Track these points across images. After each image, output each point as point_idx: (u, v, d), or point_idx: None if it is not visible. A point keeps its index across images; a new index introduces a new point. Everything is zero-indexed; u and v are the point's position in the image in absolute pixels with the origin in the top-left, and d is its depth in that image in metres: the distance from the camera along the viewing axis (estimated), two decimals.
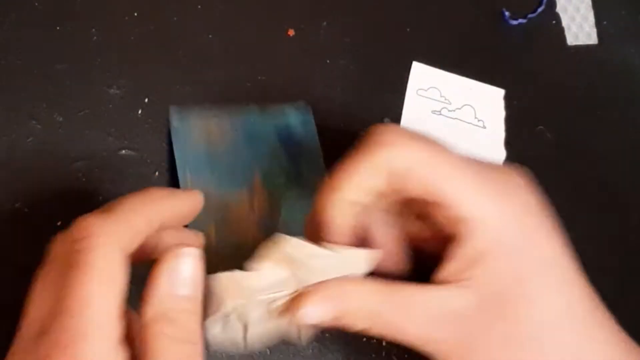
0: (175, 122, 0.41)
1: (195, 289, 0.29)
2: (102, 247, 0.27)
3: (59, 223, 0.39)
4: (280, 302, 0.31)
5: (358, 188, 0.32)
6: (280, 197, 0.41)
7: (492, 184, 0.32)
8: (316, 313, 0.31)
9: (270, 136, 0.42)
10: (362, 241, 0.34)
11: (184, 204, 0.32)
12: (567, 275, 0.32)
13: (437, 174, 0.31)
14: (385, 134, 0.31)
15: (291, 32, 0.45)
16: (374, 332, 0.31)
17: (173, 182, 0.40)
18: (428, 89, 0.46)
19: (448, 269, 0.31)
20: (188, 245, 0.29)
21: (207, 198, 0.36)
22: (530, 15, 0.48)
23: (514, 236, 0.31)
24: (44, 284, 0.28)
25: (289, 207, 0.41)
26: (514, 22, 0.48)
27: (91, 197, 0.38)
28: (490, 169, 0.32)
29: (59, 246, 0.29)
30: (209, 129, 0.42)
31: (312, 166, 0.42)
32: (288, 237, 0.31)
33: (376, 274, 0.33)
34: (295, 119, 0.43)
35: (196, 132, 0.41)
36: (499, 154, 0.46)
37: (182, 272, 0.29)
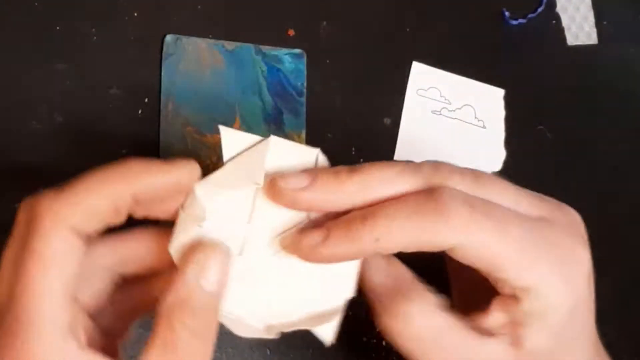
0: (168, 47, 0.42)
1: (219, 288, 0.28)
2: (49, 230, 0.26)
3: None
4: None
5: (396, 246, 0.28)
6: None
7: (556, 251, 0.29)
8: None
9: (259, 79, 0.43)
10: None
11: (171, 176, 0.28)
12: (593, 352, 0.32)
13: (502, 250, 0.28)
14: (450, 205, 0.27)
15: (291, 32, 0.45)
16: (396, 338, 0.30)
17: None
18: (428, 89, 0.46)
19: (493, 319, 0.30)
20: (219, 245, 0.29)
21: (182, 134, 0.38)
22: (530, 15, 0.48)
23: (565, 312, 0.30)
24: (7, 258, 0.28)
25: None
26: (514, 22, 0.48)
27: None
28: (556, 232, 0.30)
29: (23, 215, 0.28)
30: (201, 58, 0.42)
31: (295, 120, 0.43)
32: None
33: None
34: (289, 66, 0.44)
35: (188, 59, 0.42)
36: (499, 154, 0.46)
37: (212, 268, 0.28)
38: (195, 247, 0.28)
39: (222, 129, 0.30)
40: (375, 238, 0.28)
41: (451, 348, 0.29)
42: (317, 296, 0.30)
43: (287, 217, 0.30)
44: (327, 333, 0.30)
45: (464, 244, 0.28)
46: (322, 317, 0.30)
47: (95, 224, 0.28)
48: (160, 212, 0.30)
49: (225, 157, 0.30)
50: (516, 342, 0.30)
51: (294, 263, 0.29)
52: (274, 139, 0.30)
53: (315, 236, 0.28)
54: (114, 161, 0.28)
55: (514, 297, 0.29)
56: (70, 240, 0.27)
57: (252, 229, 0.29)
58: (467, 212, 0.27)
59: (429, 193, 0.28)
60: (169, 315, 0.27)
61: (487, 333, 0.30)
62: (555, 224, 0.31)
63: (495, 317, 0.30)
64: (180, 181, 0.29)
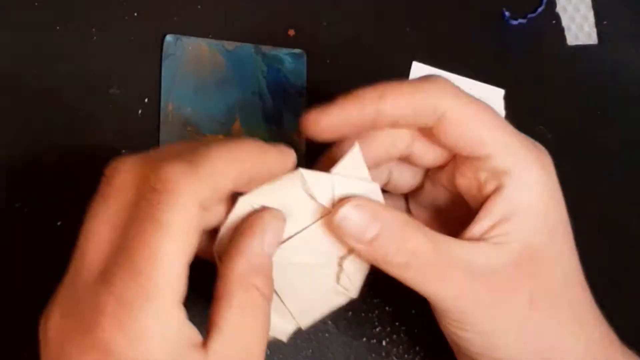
0: (168, 47, 0.42)
1: (273, 252, 0.30)
2: (183, 206, 0.26)
3: (59, 223, 0.39)
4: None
5: (406, 111, 0.31)
6: None
7: (531, 144, 0.32)
8: (355, 218, 0.30)
9: (259, 79, 0.43)
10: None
11: (276, 161, 0.30)
12: (574, 248, 0.33)
13: (484, 125, 0.31)
14: (440, 79, 0.32)
15: (291, 32, 0.45)
16: (410, 272, 0.30)
17: None
18: None
19: (481, 225, 0.31)
20: (279, 212, 0.30)
21: (182, 135, 0.39)
22: (530, 15, 0.48)
23: (548, 193, 0.32)
24: (106, 221, 0.28)
25: None
26: (514, 22, 0.48)
27: (92, 197, 0.37)
28: (525, 135, 0.33)
29: (130, 179, 0.28)
30: (201, 58, 0.42)
31: (294, 120, 0.43)
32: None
33: None
34: (289, 66, 0.44)
35: (188, 59, 0.42)
36: None
37: (271, 233, 0.29)
38: (259, 214, 0.30)
39: (357, 148, 0.31)
40: (379, 95, 0.31)
41: (445, 262, 0.30)
42: (287, 315, 0.32)
43: (327, 249, 0.32)
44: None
45: (454, 111, 0.31)
46: (275, 331, 0.32)
47: (216, 202, 0.29)
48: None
49: (338, 169, 0.31)
50: (504, 240, 0.31)
51: (298, 286, 0.32)
52: (375, 189, 0.31)
53: (321, 106, 0.31)
54: (230, 139, 0.29)
55: (496, 191, 0.31)
56: (198, 216, 0.27)
57: (301, 235, 0.31)
58: (454, 86, 0.32)
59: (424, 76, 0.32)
60: (243, 280, 0.28)
61: (478, 240, 0.31)
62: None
63: (481, 223, 0.31)
64: (286, 168, 0.31)
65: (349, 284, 0.32)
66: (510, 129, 0.32)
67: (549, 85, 0.48)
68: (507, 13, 0.48)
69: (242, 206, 0.30)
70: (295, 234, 0.31)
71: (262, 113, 0.43)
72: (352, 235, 0.30)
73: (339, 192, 0.31)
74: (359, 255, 0.32)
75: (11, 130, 0.40)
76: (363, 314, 0.41)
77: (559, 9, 0.49)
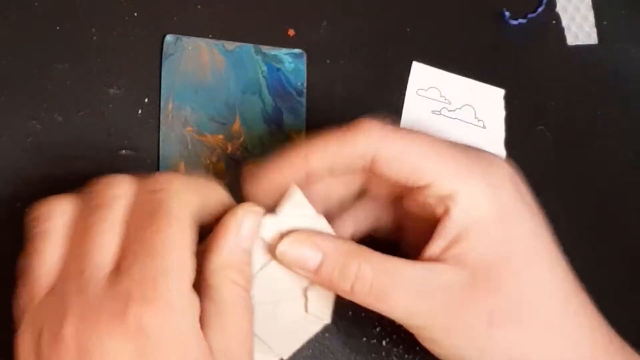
0: (168, 47, 0.42)
1: (251, 244, 0.31)
2: (185, 199, 0.29)
3: None
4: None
5: (333, 165, 0.32)
6: (256, 147, 0.42)
7: (475, 162, 0.32)
8: (295, 250, 0.32)
9: (259, 79, 0.43)
10: None
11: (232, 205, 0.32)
12: (551, 255, 0.33)
13: (418, 156, 0.32)
14: (365, 123, 0.33)
15: (291, 32, 0.45)
16: (358, 296, 0.32)
17: None
18: (428, 89, 0.46)
19: (435, 246, 0.32)
20: (254, 206, 0.32)
21: (182, 135, 0.40)
22: (530, 15, 0.48)
23: (498, 208, 0.32)
24: (108, 228, 0.29)
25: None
26: (514, 22, 0.48)
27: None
28: (475, 151, 0.33)
29: (126, 189, 0.30)
30: (201, 58, 0.42)
31: (294, 120, 0.43)
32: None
33: None
34: (289, 66, 0.43)
35: (187, 59, 0.42)
36: (499, 154, 0.46)
37: (246, 227, 0.31)
38: (232, 210, 0.31)
39: (293, 189, 0.33)
40: (304, 155, 0.32)
41: (406, 284, 0.31)
42: (269, 352, 0.34)
43: (290, 283, 0.33)
44: None
45: (383, 152, 0.31)
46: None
47: (200, 215, 0.31)
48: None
49: (281, 208, 0.33)
50: (459, 260, 0.31)
51: (273, 322, 0.33)
52: (322, 222, 0.33)
53: (254, 168, 0.33)
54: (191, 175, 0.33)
55: (445, 214, 0.32)
56: (196, 214, 0.30)
57: (260, 275, 0.32)
58: (379, 124, 0.32)
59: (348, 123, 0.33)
60: (220, 275, 0.30)
61: (434, 261, 0.32)
62: (485, 153, 0.34)
63: (436, 243, 0.32)
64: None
65: (319, 311, 0.33)
66: (449, 151, 0.32)
67: (549, 85, 0.48)
68: (507, 13, 0.48)
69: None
70: (254, 275, 0.32)
71: (262, 113, 0.43)
72: (297, 267, 0.32)
73: (287, 229, 0.32)
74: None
75: (11, 131, 0.40)
76: (363, 314, 0.41)
77: (559, 9, 0.49)
